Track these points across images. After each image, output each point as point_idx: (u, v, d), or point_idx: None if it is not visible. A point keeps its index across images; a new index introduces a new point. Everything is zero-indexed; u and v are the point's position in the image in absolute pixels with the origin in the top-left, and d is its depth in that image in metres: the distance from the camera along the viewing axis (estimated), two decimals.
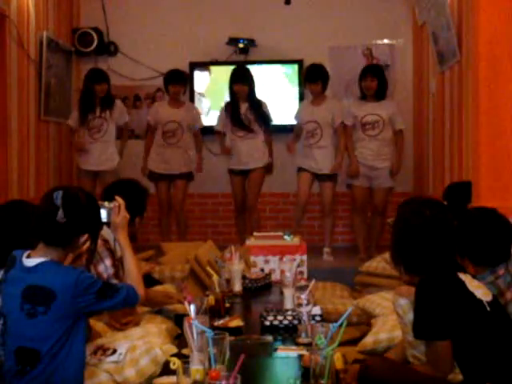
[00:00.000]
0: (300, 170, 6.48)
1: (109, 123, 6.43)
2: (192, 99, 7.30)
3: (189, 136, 6.59)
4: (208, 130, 6.87)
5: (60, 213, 2.38)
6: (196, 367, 2.12)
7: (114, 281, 3.22)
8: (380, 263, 5.08)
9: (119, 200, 2.90)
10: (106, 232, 3.18)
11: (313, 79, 6.33)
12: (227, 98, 6.64)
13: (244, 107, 6.39)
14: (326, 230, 6.53)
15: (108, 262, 3.31)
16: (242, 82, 6.35)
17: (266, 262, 4.51)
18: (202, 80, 7.45)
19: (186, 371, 2.09)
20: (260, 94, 6.59)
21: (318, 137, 6.34)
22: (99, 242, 3.11)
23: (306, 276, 4.37)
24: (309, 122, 6.36)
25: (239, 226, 6.67)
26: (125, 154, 6.69)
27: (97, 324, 3.16)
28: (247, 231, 6.22)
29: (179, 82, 6.51)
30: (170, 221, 6.75)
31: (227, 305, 3.38)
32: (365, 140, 6.30)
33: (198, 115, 6.74)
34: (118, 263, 3.32)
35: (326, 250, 6.38)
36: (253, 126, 6.39)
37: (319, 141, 6.33)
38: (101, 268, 3.29)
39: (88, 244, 2.50)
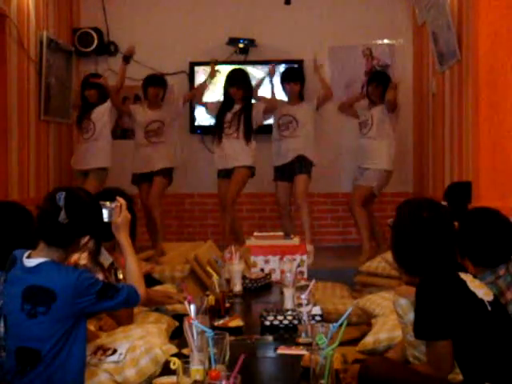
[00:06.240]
0: (275, 177, 6.42)
1: (95, 123, 6.33)
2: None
3: (172, 132, 6.52)
4: (206, 129, 6.90)
5: (62, 213, 2.38)
6: (196, 367, 2.12)
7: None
8: (380, 263, 5.09)
9: (121, 200, 2.90)
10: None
11: (293, 78, 6.39)
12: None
13: (237, 107, 6.26)
14: (304, 225, 6.31)
15: (99, 276, 3.28)
16: (237, 85, 6.25)
17: (266, 262, 4.51)
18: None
19: (186, 371, 2.09)
20: (260, 94, 6.56)
21: (293, 128, 6.34)
22: (86, 256, 3.09)
23: (306, 276, 4.38)
24: (284, 116, 6.36)
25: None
26: (120, 153, 6.64)
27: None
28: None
29: (158, 85, 6.42)
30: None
31: (227, 305, 3.38)
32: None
33: (176, 106, 6.54)
34: (108, 274, 3.31)
35: (308, 248, 5.91)
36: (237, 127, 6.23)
37: (294, 131, 6.33)
38: None
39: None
